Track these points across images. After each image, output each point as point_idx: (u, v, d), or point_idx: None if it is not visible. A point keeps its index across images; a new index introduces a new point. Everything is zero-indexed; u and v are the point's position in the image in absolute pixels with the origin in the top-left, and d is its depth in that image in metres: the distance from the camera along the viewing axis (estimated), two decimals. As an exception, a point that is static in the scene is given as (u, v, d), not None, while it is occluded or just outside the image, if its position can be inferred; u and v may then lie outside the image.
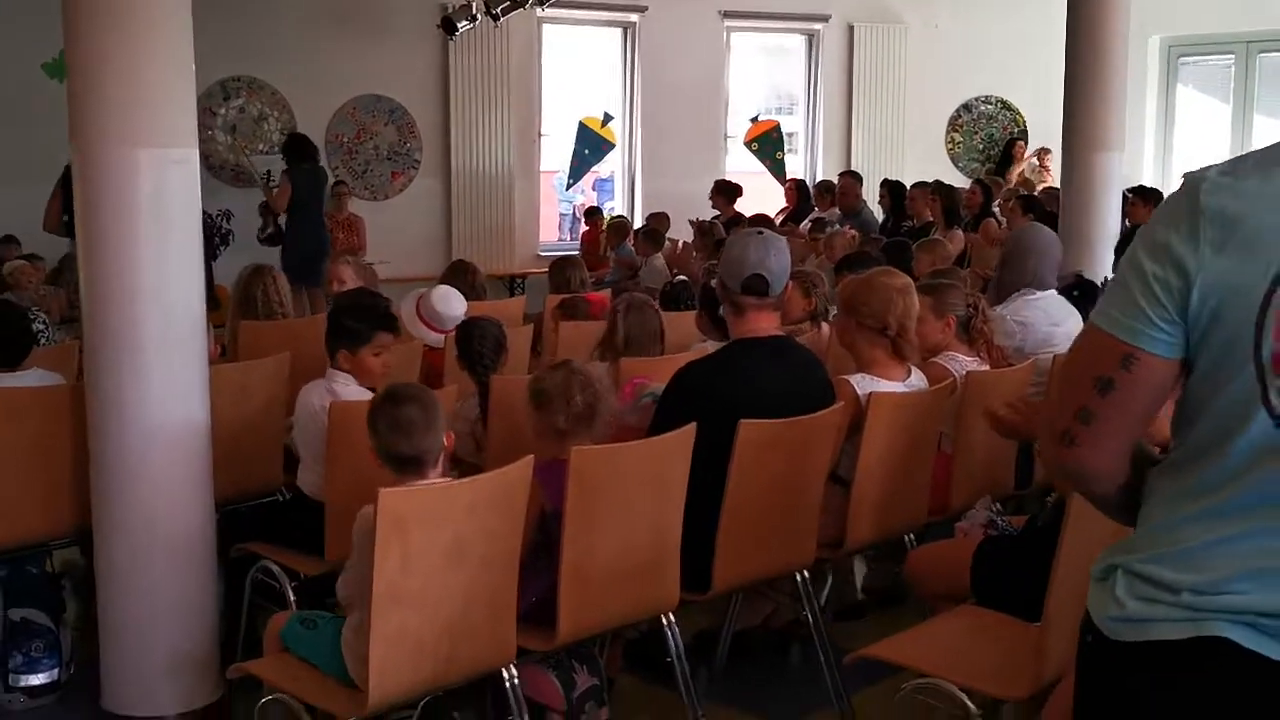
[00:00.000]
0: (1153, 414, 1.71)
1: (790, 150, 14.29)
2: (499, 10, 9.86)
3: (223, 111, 11.15)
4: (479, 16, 10.16)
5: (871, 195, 11.45)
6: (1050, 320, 4.93)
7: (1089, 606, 1.76)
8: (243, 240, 10.74)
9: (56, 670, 4.11)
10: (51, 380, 4.27)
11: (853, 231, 8.94)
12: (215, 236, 10.54)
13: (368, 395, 4.02)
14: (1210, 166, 1.64)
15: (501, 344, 4.53)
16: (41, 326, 5.52)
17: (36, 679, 4.08)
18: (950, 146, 14.23)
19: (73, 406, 4.00)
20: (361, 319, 4.06)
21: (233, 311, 5.66)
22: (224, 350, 5.48)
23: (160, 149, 3.74)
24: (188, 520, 3.85)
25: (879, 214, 11.12)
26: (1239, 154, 1.73)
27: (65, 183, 7.55)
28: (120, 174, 3.69)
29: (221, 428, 4.04)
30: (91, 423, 3.81)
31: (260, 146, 11.29)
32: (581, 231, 12.67)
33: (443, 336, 5.15)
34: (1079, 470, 1.76)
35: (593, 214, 12.54)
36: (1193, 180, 1.63)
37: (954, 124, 14.24)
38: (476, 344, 4.49)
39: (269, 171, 10.43)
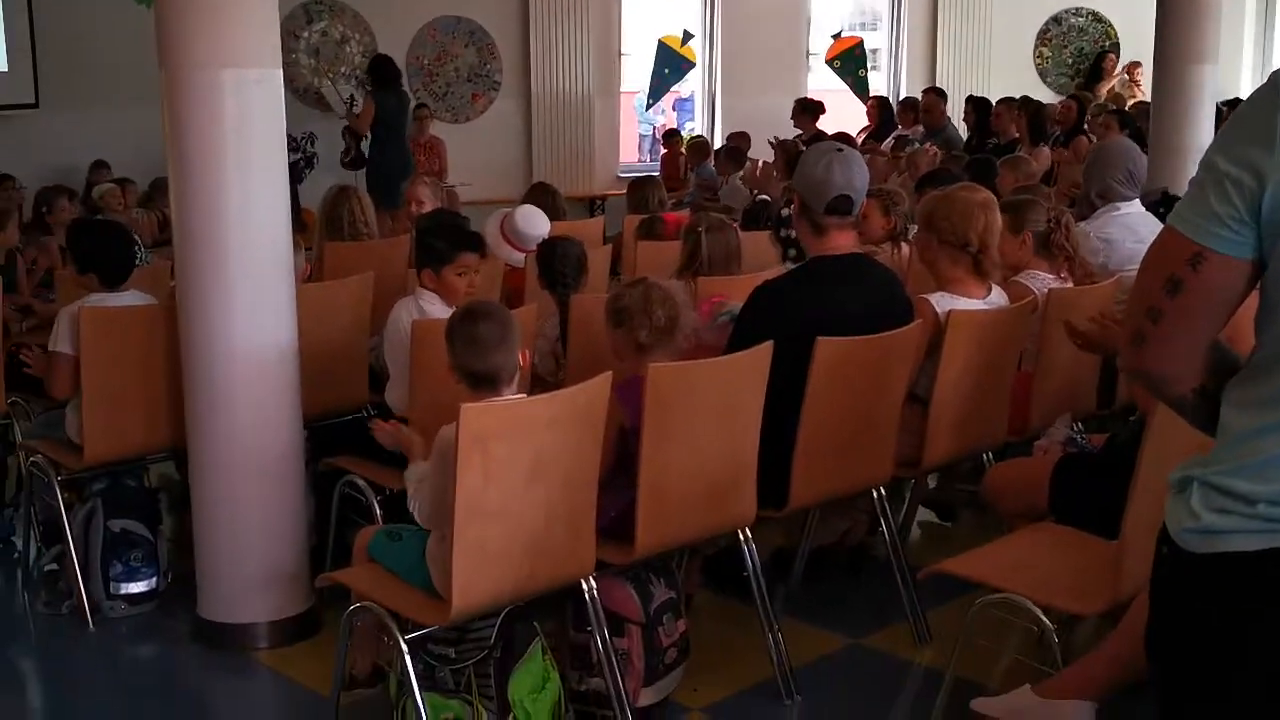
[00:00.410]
0: (1225, 316, 1.68)
1: (873, 67, 14.04)
2: (578, -73, 9.76)
3: (305, 35, 11.22)
4: (559, -66, 10.07)
5: (956, 112, 11.24)
6: (1135, 236, 4.83)
7: (1165, 518, 1.75)
8: (327, 163, 10.84)
9: (155, 579, 4.27)
10: (146, 300, 4.37)
11: (935, 149, 8.79)
12: (300, 160, 10.65)
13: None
14: None
15: (583, 263, 4.56)
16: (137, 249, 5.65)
17: (136, 587, 4.24)
18: (1039, 61, 13.89)
19: (167, 326, 4.11)
20: (445, 239, 4.11)
21: (318, 232, 5.76)
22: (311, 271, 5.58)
23: (242, 69, 3.80)
24: (277, 437, 3.96)
25: (964, 131, 10.91)
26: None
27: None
28: (205, 95, 3.76)
29: (308, 347, 4.13)
30: (183, 342, 3.92)
31: (342, 69, 11.36)
32: (661, 154, 12.59)
33: (524, 256, 5.19)
34: (1148, 370, 1.75)
35: (671, 136, 12.47)
36: (1276, 78, 1.59)
37: (1043, 38, 13.88)
38: (559, 263, 4.52)
39: (351, 95, 10.49)
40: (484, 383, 3.08)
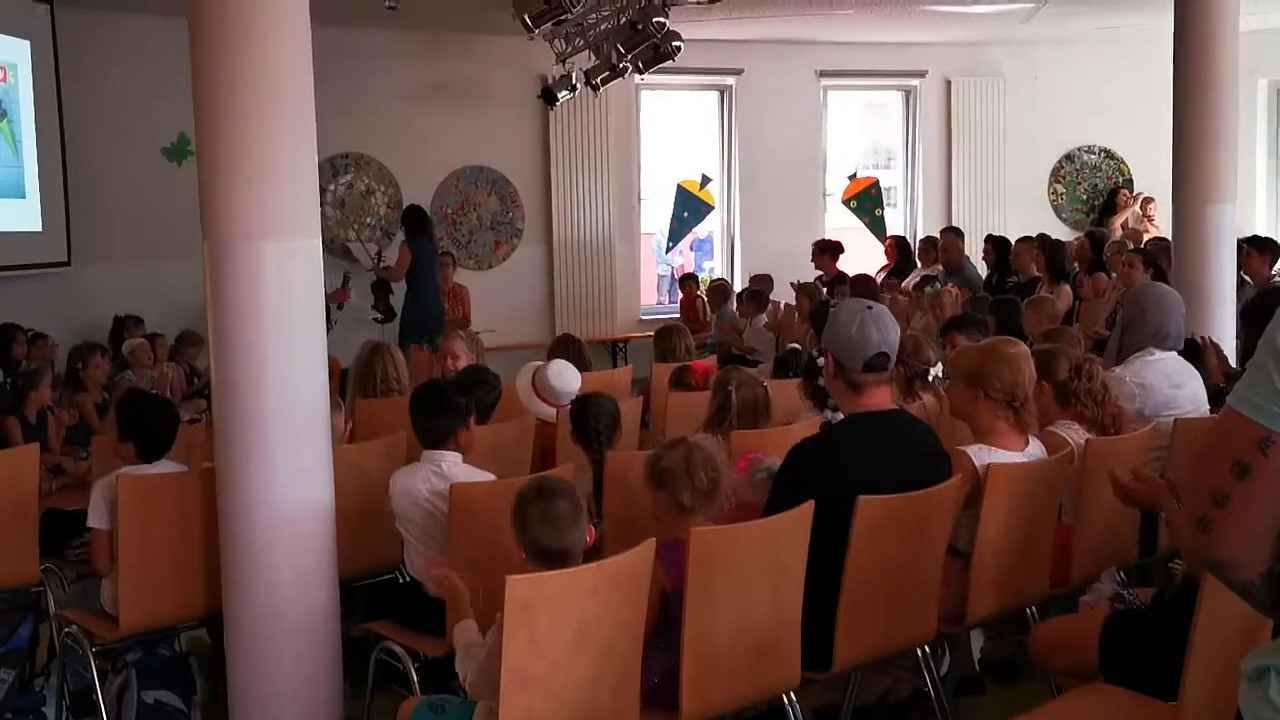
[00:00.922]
0: None
1: (890, 205, 14.25)
2: (599, 80, 10.01)
3: (332, 188, 11.46)
4: (578, 86, 10.33)
5: (974, 250, 11.36)
6: (1171, 382, 4.83)
7: (1240, 706, 1.72)
8: (349, 313, 10.97)
9: (189, 749, 4.20)
10: (179, 469, 4.39)
11: (958, 290, 8.87)
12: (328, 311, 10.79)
13: (480, 475, 4.11)
14: None
15: (616, 420, 4.58)
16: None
17: (170, 759, 4.17)
18: (1053, 198, 14.08)
19: (203, 492, 4.12)
20: (441, 414, 4.20)
21: (352, 390, 5.79)
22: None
23: (284, 241, 3.87)
24: (313, 602, 3.94)
25: (982, 269, 11.02)
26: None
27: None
28: (248, 265, 3.83)
29: (342, 507, 4.13)
30: (221, 508, 3.93)
31: (368, 220, 11.58)
32: (679, 297, 12.73)
33: (555, 410, 5.20)
34: (1215, 556, 1.71)
35: (688, 280, 12.61)
36: None
37: (1056, 175, 14.09)
38: (593, 420, 4.53)
39: (379, 250, 10.69)
40: (555, 560, 3.07)
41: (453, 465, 4.13)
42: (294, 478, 3.92)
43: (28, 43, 9.74)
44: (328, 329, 9.28)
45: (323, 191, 11.20)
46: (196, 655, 4.76)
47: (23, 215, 9.79)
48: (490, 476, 4.17)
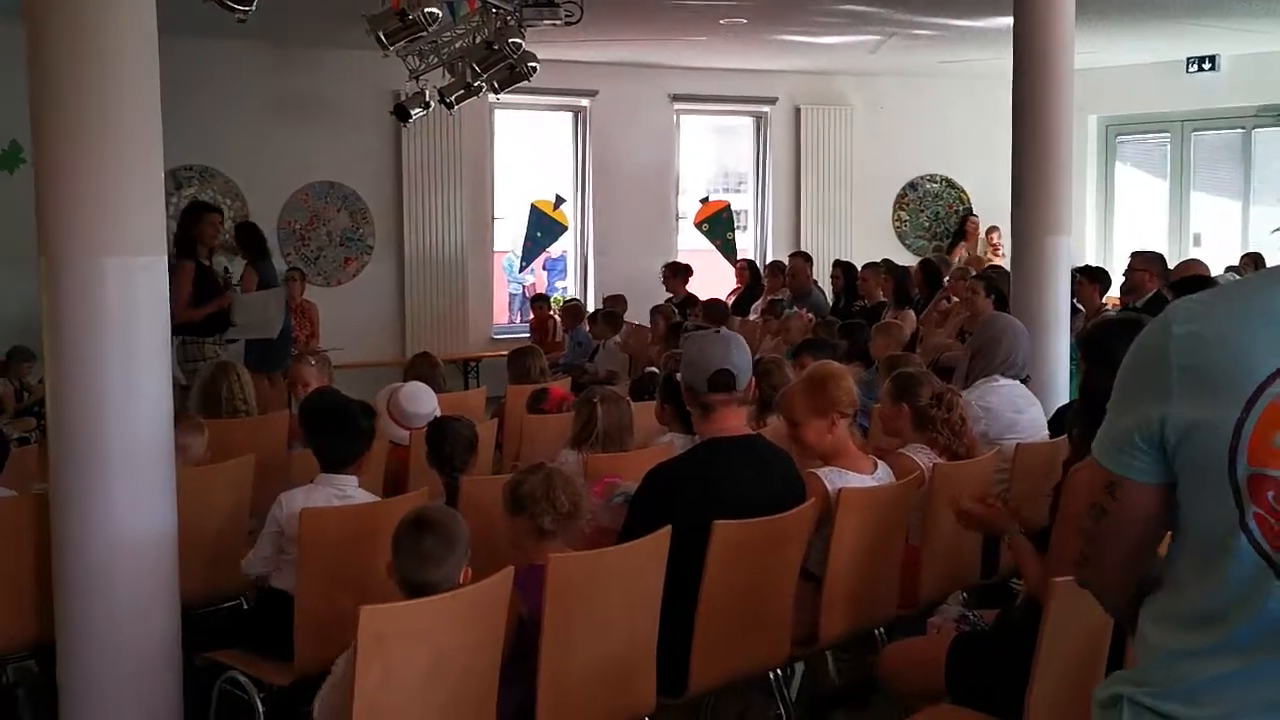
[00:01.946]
0: (1152, 535, 1.75)
1: (740, 228, 14.46)
2: (453, 99, 9.92)
3: (175, 200, 11.10)
4: (432, 104, 10.22)
5: (821, 273, 11.59)
6: (1014, 407, 5.00)
7: (1091, 734, 1.78)
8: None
9: (14, 790, 4.01)
10: (8, 494, 4.19)
11: (809, 314, 9.04)
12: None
13: (374, 499, 4.03)
14: (1179, 302, 1.70)
15: (473, 445, 4.53)
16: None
17: (-7, 797, 3.97)
18: (897, 224, 14.46)
19: (35, 517, 3.94)
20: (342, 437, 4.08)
21: (195, 410, 5.60)
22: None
23: (128, 256, 3.73)
24: (154, 632, 3.80)
25: (829, 293, 11.25)
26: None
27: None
28: (88, 283, 3.68)
29: (186, 532, 3.99)
30: (56, 535, 3.75)
31: (214, 235, 11.25)
32: (530, 319, 12.70)
33: (409, 434, 5.13)
34: (1088, 585, 1.86)
35: (539, 301, 12.58)
36: (1161, 323, 1.68)
37: (900, 202, 14.48)
38: (448, 445, 4.48)
39: (225, 267, 10.39)
40: (420, 594, 3.01)
41: (354, 489, 4.05)
42: (135, 503, 3.77)
43: None
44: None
45: (165, 204, 10.84)
46: (24, 687, 4.54)
47: None
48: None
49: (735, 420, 3.83)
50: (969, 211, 14.25)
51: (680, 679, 3.60)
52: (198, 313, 7.75)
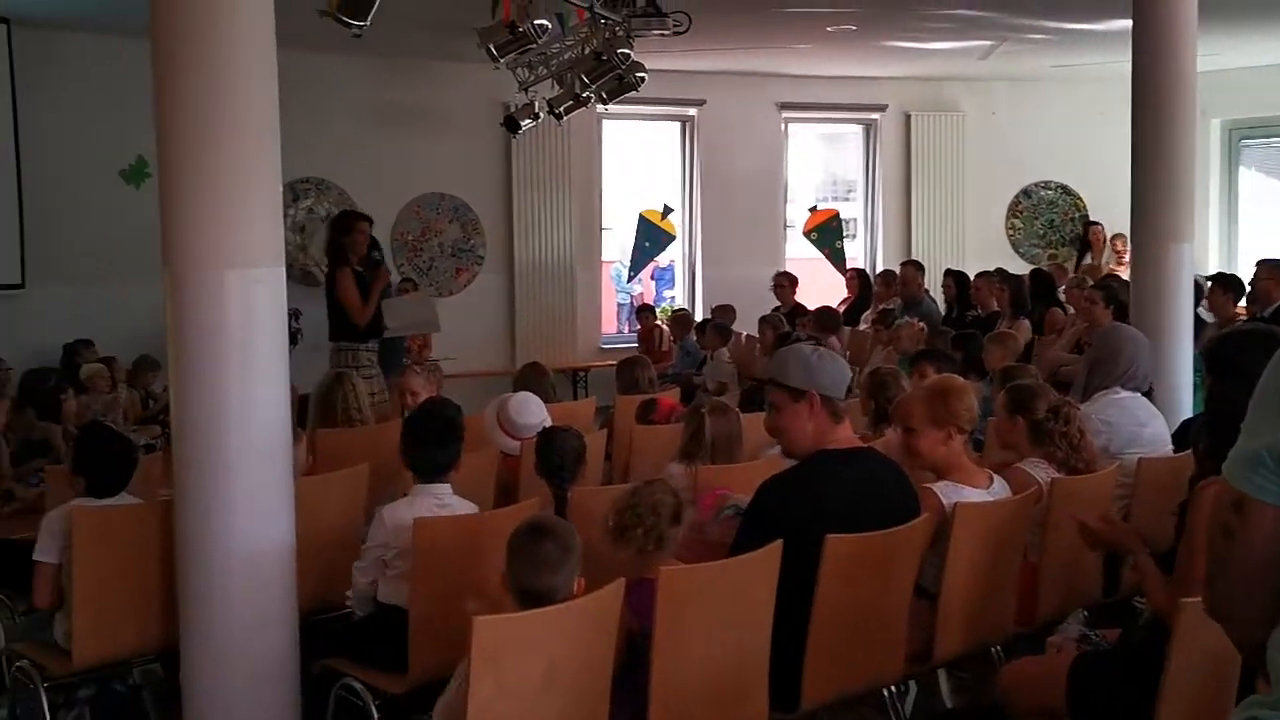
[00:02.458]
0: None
1: (849, 236, 14.34)
2: (562, 109, 10.00)
3: (292, 212, 11.37)
4: (541, 115, 10.31)
5: (933, 283, 11.43)
6: (1136, 420, 4.86)
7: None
8: (310, 338, 10.88)
9: (141, 787, 4.11)
10: (133, 501, 4.30)
11: (920, 323, 8.91)
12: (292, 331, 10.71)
13: (472, 507, 4.06)
14: None
15: (581, 456, 4.54)
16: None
17: (122, 796, 4.07)
18: (1011, 232, 14.22)
19: (159, 524, 4.04)
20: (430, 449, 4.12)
21: (312, 419, 5.72)
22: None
23: (247, 268, 3.82)
24: (272, 639, 3.88)
25: (941, 302, 11.09)
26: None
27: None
28: (210, 294, 3.77)
29: (303, 540, 4.06)
30: (179, 543, 3.85)
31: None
32: (638, 329, 12.71)
33: (519, 444, 5.16)
34: (1215, 611, 1.77)
35: (645, 311, 12.57)
36: None
37: (1014, 210, 14.23)
38: (557, 456, 4.49)
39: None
40: (536, 601, 3.02)
41: (450, 497, 4.09)
42: (254, 512, 3.86)
43: (-17, 62, 9.62)
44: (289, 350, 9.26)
45: (283, 216, 11.10)
46: (150, 689, 4.66)
47: (-26, 236, 9.66)
48: (476, 509, 4.14)
49: (843, 432, 3.78)
50: (1089, 219, 13.92)
51: (793, 694, 3.56)
52: (369, 310, 7.94)
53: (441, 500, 4.02)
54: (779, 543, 3.40)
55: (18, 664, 4.16)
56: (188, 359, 3.80)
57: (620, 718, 3.22)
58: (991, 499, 4.07)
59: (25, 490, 6.18)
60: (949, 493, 4.01)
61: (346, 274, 7.97)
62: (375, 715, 3.80)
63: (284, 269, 3.99)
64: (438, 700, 3.19)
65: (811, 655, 3.53)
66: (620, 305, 18.04)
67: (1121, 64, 7.32)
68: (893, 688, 3.86)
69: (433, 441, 4.11)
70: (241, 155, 3.82)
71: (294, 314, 10.80)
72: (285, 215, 11.04)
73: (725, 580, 3.35)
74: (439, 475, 4.07)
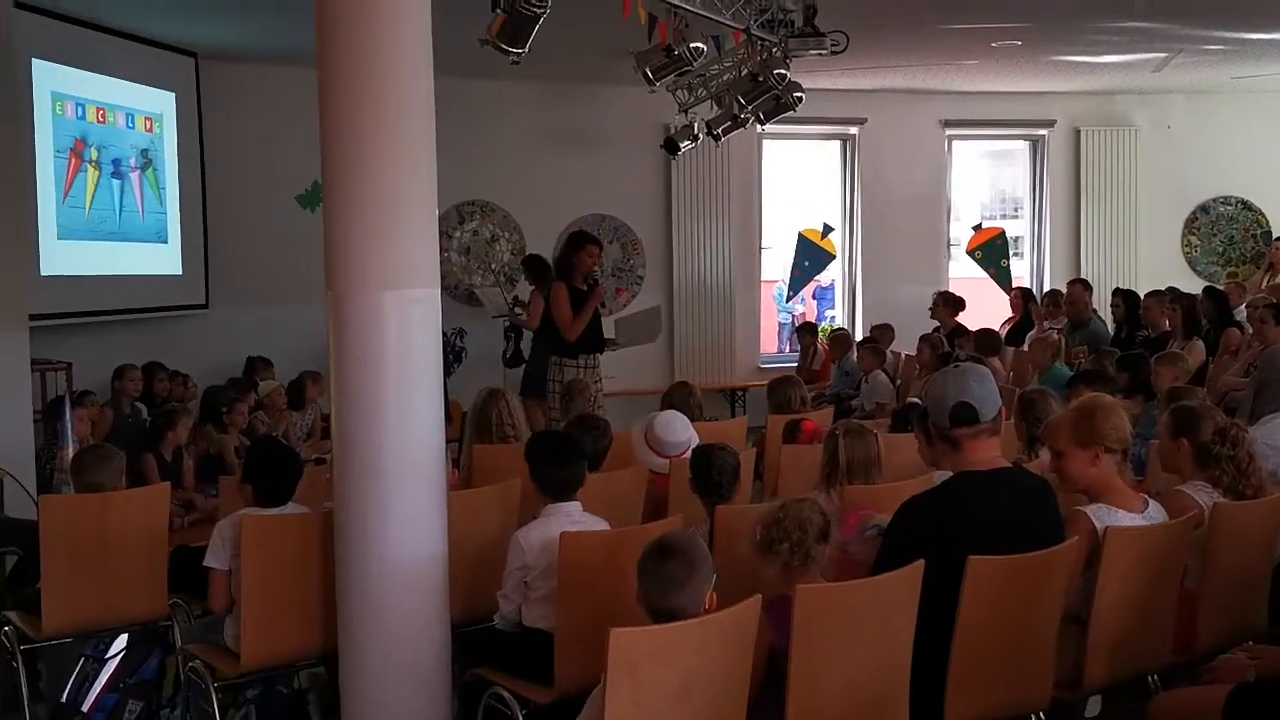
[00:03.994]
0: None
1: (1016, 255, 14.04)
2: (720, 130, 10.07)
3: (458, 234, 11.71)
4: (700, 136, 10.40)
5: (1102, 302, 11.12)
6: (1307, 444, 4.67)
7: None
8: (474, 356, 11.17)
9: (302, 786, 4.29)
10: (300, 510, 4.51)
11: (1056, 336, 8.68)
12: (449, 355, 11.00)
13: (602, 524, 4.15)
14: None
15: (736, 473, 4.58)
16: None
17: (284, 795, 4.26)
18: (1187, 250, 13.72)
19: (323, 533, 4.22)
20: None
21: (468, 434, 5.89)
22: (456, 466, 5.68)
23: (404, 289, 3.98)
24: (425, 646, 4.02)
25: (1110, 323, 10.77)
26: None
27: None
28: (369, 315, 3.94)
29: (457, 551, 4.20)
30: (338, 553, 4.03)
31: (493, 266, 11.81)
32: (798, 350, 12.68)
33: (668, 461, 5.22)
34: None
35: (806, 330, 12.52)
36: None
37: (1190, 226, 13.73)
38: (715, 473, 4.53)
39: (515, 296, 10.83)
40: (665, 619, 3.08)
41: (582, 515, 4.18)
42: (410, 524, 4.01)
43: (173, 94, 10.18)
44: (449, 373, 9.56)
45: (448, 238, 11.46)
46: (315, 692, 4.86)
47: (165, 259, 10.22)
48: (606, 525, 4.22)
49: (987, 453, 3.71)
50: (1262, 235, 13.34)
51: (935, 716, 3.53)
52: (579, 324, 8.28)
53: (573, 518, 4.11)
54: (920, 563, 3.38)
55: (190, 664, 4.39)
56: (348, 376, 3.98)
57: (759, 734, 3.25)
58: (1146, 523, 3.96)
59: (205, 501, 6.51)
60: (1101, 515, 3.91)
61: (562, 289, 8.31)
62: (522, 724, 3.89)
63: (439, 290, 4.14)
64: None
65: (954, 677, 3.49)
66: (781, 325, 18.01)
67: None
68: (1041, 714, 3.77)
69: (560, 460, 4.21)
70: (399, 181, 3.99)
71: (458, 333, 11.12)
72: (450, 238, 11.46)
73: (864, 599, 3.35)
74: (568, 493, 4.17)
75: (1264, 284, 12.29)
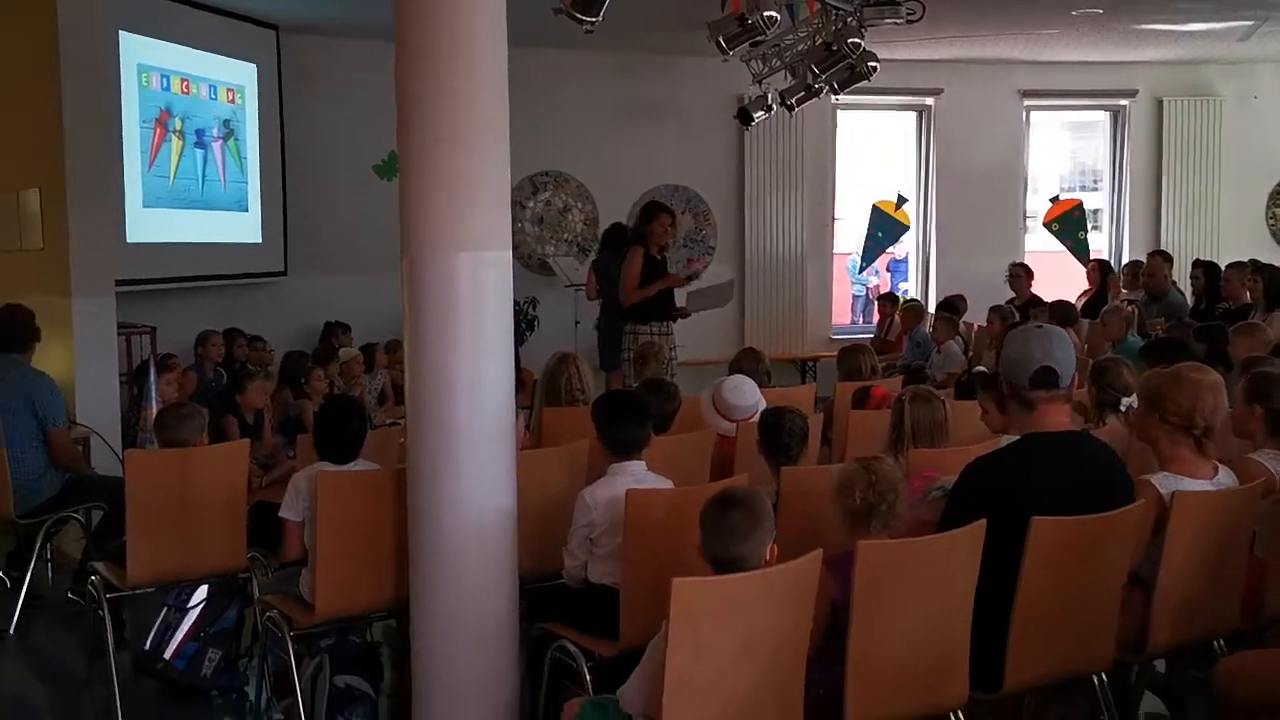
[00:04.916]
0: None
1: (1095, 228, 13.85)
2: (794, 101, 10.05)
3: (531, 205, 11.81)
4: (774, 106, 10.38)
5: (1182, 275, 10.95)
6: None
7: None
8: (547, 326, 11.27)
9: (375, 734, 4.42)
10: (372, 467, 4.62)
11: (1130, 308, 8.58)
12: (522, 323, 11.13)
13: (667, 483, 4.22)
14: None
15: (805, 436, 4.61)
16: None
17: (357, 743, 4.38)
18: (1272, 223, 13.46)
19: (395, 490, 4.33)
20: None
21: (538, 397, 5.98)
22: (528, 429, 5.78)
23: (477, 251, 4.06)
24: (494, 601, 4.10)
25: (1189, 295, 10.60)
26: None
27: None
28: (442, 276, 4.02)
29: (525, 510, 4.29)
30: (411, 509, 4.13)
31: (565, 236, 11.90)
32: (875, 318, 12.64)
33: (735, 425, 5.27)
34: None
35: (885, 300, 12.47)
36: None
37: (1275, 198, 13.45)
38: (785, 435, 4.57)
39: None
40: (727, 569, 3.14)
41: (647, 474, 4.25)
42: (480, 482, 4.09)
43: (254, 66, 10.37)
44: (521, 340, 9.69)
45: (522, 208, 11.56)
46: (387, 644, 4.99)
47: (245, 228, 10.44)
48: (671, 484, 4.28)
49: (1059, 416, 3.72)
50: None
51: (996, 675, 3.55)
52: (642, 292, 8.40)
53: (638, 476, 4.18)
54: (982, 522, 3.41)
55: (268, 614, 4.53)
56: (421, 337, 4.06)
57: (820, 684, 3.30)
58: (1214, 489, 3.94)
59: (285, 461, 6.69)
60: (1167, 483, 3.90)
61: (638, 253, 8.45)
62: (588, 676, 3.98)
63: (510, 253, 4.21)
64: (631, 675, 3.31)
65: (1015, 637, 3.51)
66: (855, 296, 17.94)
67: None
68: (1104, 675, 3.78)
69: (626, 419, 4.28)
70: (472, 148, 4.05)
71: (531, 302, 11.23)
72: (524, 207, 11.56)
73: (925, 556, 3.38)
74: (634, 452, 4.24)
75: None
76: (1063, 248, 13.32)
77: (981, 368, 7.02)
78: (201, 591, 5.03)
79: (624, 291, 8.40)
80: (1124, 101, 13.42)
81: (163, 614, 5.06)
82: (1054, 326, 3.85)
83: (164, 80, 9.34)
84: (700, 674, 2.99)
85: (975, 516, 3.45)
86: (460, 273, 4.03)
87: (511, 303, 4.27)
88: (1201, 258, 11.08)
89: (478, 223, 4.06)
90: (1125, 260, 12.55)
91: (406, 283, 4.09)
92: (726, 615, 3.02)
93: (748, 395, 5.37)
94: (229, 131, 10.15)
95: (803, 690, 3.22)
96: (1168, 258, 10.69)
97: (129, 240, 8.77)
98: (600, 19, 6.13)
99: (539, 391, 6.03)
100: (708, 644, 2.99)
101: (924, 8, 8.05)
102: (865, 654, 3.28)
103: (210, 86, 9.92)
